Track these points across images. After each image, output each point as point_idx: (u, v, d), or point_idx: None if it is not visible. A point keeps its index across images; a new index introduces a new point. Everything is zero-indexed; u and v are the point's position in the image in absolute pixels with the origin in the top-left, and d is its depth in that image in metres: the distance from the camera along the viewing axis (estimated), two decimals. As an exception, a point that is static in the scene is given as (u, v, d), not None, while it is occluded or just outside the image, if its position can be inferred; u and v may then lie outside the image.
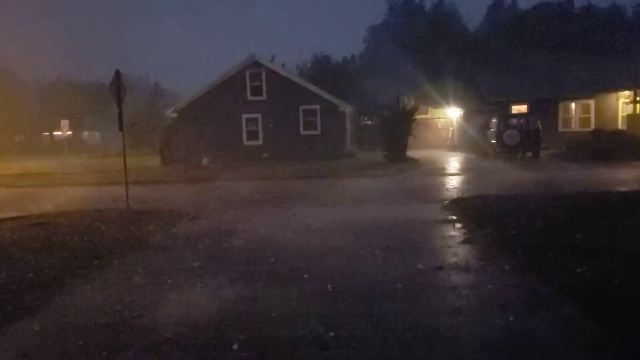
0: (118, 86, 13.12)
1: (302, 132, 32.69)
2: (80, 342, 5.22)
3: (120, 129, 13.37)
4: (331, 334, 5.19)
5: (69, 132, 53.60)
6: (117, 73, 13.24)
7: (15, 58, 73.61)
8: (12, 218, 12.79)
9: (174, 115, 33.26)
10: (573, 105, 33.70)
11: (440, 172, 23.01)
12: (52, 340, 5.36)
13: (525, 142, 27.54)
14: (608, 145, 23.87)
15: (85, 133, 68.85)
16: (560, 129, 33.19)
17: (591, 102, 33.15)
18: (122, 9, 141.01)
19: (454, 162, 27.93)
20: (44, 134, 63.63)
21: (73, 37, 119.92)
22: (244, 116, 32.72)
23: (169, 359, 4.89)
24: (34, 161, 39.15)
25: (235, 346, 4.99)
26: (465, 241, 9.00)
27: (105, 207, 14.23)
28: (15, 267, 7.89)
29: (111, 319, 5.84)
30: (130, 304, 6.28)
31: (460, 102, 38.64)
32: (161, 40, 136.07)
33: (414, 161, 27.08)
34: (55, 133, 59.48)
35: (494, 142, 28.60)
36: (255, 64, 32.62)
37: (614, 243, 8.02)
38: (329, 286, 6.67)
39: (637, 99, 30.26)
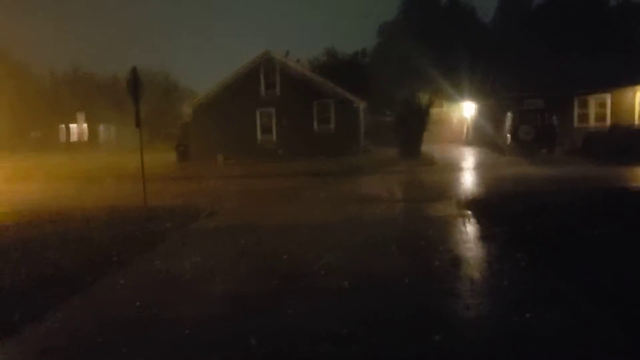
0: (135, 84, 13.21)
1: (316, 127, 32.64)
2: (99, 339, 5.31)
3: (138, 126, 13.46)
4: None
5: (85, 125, 53.88)
6: (134, 70, 13.32)
7: (31, 52, 74.24)
8: (31, 214, 12.93)
9: (190, 111, 33.39)
10: (589, 100, 33.38)
11: (455, 168, 22.96)
12: (71, 338, 5.45)
13: (540, 137, 27.37)
14: (626, 141, 23.58)
15: (101, 127, 69.17)
16: (576, 124, 32.89)
17: (607, 97, 32.79)
18: (138, 4, 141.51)
19: (468, 158, 27.85)
20: (60, 126, 63.91)
21: (89, 30, 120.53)
22: (258, 111, 32.74)
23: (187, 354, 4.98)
24: (51, 157, 39.52)
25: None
26: (480, 237, 9.01)
27: (123, 203, 14.37)
28: (35, 263, 7.99)
29: (131, 315, 5.94)
30: (150, 301, 6.38)
31: (475, 97, 38.46)
32: (176, 37, 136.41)
33: (429, 157, 26.99)
34: (71, 125, 59.75)
35: (509, 138, 28.48)
36: (269, 59, 32.64)
37: (631, 240, 8.00)
38: (346, 283, 6.71)
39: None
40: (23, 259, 8.23)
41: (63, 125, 62.17)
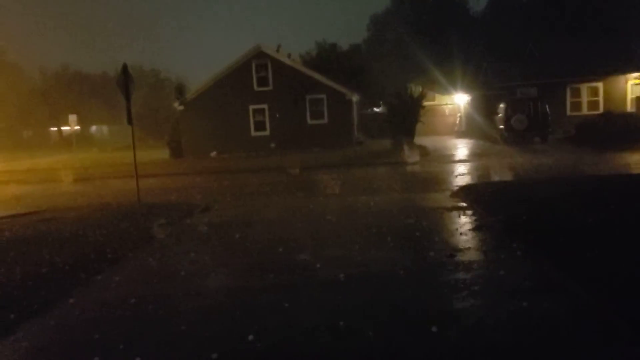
0: (126, 81, 13.14)
1: (309, 121, 32.66)
2: (96, 336, 5.27)
3: (130, 123, 13.40)
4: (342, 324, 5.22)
5: (77, 127, 53.66)
6: (125, 67, 13.25)
7: (21, 50, 73.78)
8: (25, 214, 12.88)
9: (182, 107, 33.29)
10: (581, 88, 33.43)
11: (448, 159, 22.95)
12: (66, 336, 5.42)
13: (533, 126, 27.39)
14: (619, 128, 23.63)
15: (93, 127, 68.90)
16: (569, 112, 32.95)
17: (599, 85, 32.87)
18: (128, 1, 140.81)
19: (462, 149, 27.84)
20: (52, 129, 63.74)
21: (79, 29, 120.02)
22: (251, 107, 32.72)
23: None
24: (44, 157, 39.37)
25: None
26: (476, 228, 8.99)
27: (116, 200, 14.30)
28: (30, 262, 7.93)
29: (125, 313, 5.90)
30: (145, 297, 6.33)
31: (467, 87, 38.44)
32: (167, 32, 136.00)
33: (422, 148, 26.97)
34: (63, 128, 59.59)
35: (502, 127, 28.49)
36: (261, 54, 32.55)
37: (626, 226, 7.99)
38: (341, 275, 6.68)
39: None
40: (18, 258, 8.18)
41: (55, 128, 62.02)
